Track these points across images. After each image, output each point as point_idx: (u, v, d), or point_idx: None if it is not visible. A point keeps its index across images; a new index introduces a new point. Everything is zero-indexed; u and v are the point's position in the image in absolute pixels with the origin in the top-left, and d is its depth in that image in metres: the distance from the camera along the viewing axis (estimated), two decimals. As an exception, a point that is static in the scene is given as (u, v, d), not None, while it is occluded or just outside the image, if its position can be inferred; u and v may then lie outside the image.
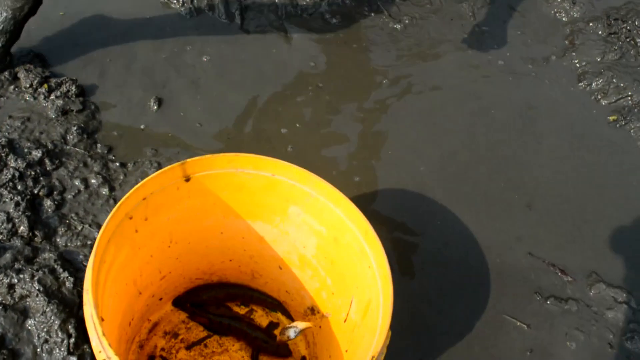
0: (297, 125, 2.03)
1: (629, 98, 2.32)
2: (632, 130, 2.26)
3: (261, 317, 1.52)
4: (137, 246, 1.22)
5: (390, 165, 1.98)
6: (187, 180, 1.22)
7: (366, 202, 1.86)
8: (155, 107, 1.99)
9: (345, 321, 1.27)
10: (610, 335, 1.68)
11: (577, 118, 2.28)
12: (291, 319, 1.53)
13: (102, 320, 1.00)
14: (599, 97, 2.36)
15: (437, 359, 1.56)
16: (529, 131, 2.20)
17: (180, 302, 1.49)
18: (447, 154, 2.05)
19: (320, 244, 1.32)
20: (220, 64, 2.18)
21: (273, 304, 1.53)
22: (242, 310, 1.52)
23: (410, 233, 1.83)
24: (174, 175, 1.19)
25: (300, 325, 1.33)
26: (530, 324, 1.67)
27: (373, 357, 0.96)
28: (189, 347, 1.43)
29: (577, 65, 2.47)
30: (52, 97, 1.86)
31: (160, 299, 1.45)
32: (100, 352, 0.92)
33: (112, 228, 1.09)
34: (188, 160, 1.19)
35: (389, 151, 2.03)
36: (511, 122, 2.22)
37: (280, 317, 1.53)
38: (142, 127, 1.92)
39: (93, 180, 1.71)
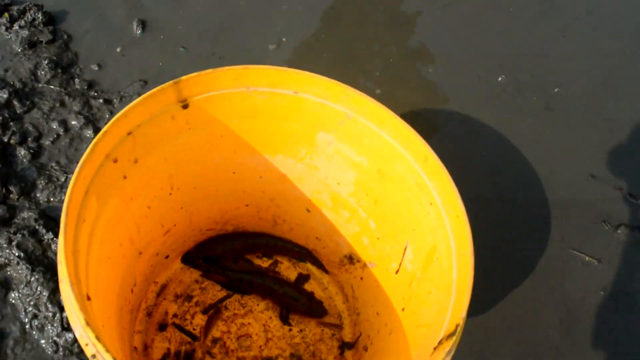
0: (284, 39, 1.79)
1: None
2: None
3: (288, 270, 1.35)
4: (128, 196, 0.96)
5: (402, 72, 1.77)
6: (185, 106, 0.94)
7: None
8: (139, 32, 1.71)
9: (397, 272, 1.03)
10: (695, 265, 1.45)
11: (618, 7, 2.01)
12: (324, 269, 1.32)
13: (89, 299, 0.75)
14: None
15: (498, 305, 1.35)
16: (553, 26, 1.94)
17: (190, 258, 1.32)
18: (455, 53, 1.84)
19: (360, 179, 1.06)
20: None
21: (301, 253, 1.36)
22: (264, 263, 1.35)
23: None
24: (166, 100, 0.90)
25: None
26: (600, 259, 1.48)
27: (458, 325, 0.70)
28: (205, 311, 1.26)
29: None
30: (16, 27, 1.73)
31: (167, 257, 1.26)
32: (87, 345, 0.66)
33: (90, 175, 0.82)
34: (183, 78, 0.90)
35: (391, 59, 1.80)
36: (531, 17, 1.95)
37: (310, 267, 1.36)
38: (124, 55, 1.64)
39: (73, 122, 1.54)
